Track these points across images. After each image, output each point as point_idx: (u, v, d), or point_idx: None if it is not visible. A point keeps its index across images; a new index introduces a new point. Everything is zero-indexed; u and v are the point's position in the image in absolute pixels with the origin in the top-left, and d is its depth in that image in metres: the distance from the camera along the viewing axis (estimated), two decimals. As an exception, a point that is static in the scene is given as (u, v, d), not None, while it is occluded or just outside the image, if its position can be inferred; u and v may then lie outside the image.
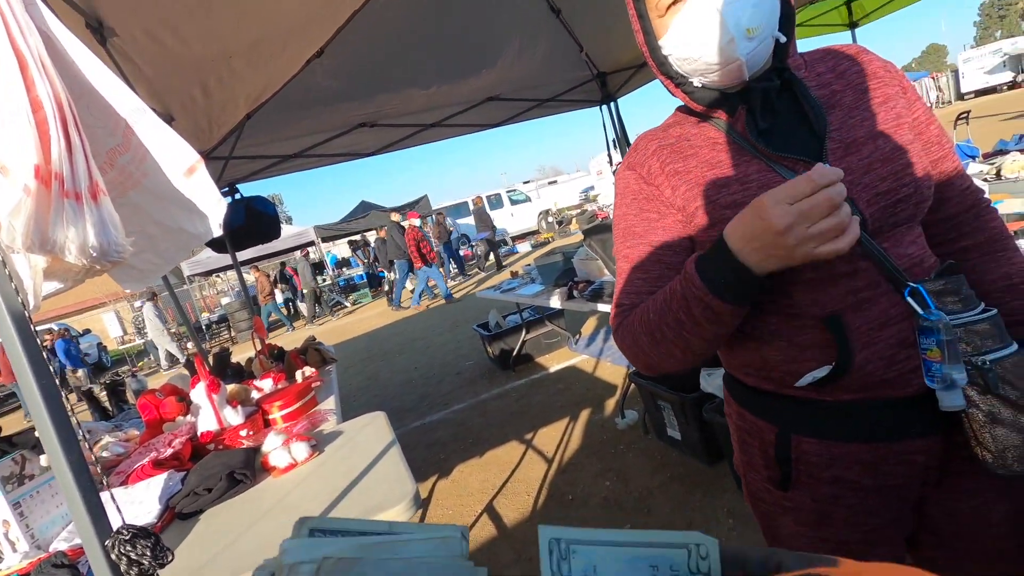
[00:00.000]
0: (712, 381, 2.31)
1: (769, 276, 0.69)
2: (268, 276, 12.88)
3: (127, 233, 0.71)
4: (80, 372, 11.69)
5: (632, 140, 4.81)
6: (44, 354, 0.63)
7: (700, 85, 0.80)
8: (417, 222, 10.14)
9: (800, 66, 0.82)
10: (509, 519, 2.58)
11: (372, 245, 16.23)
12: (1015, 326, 0.75)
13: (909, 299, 0.72)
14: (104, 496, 0.76)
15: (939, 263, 0.79)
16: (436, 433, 3.88)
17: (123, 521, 0.67)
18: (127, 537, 0.64)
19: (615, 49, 4.02)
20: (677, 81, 0.82)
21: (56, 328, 13.82)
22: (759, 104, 0.78)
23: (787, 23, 0.77)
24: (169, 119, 2.65)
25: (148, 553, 0.64)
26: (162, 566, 0.67)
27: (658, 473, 2.59)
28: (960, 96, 24.99)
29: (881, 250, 0.74)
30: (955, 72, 26.07)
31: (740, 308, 0.72)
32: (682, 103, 0.86)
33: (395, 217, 10.58)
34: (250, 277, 13.10)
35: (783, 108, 0.80)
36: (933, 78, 25.86)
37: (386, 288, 12.27)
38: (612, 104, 4.62)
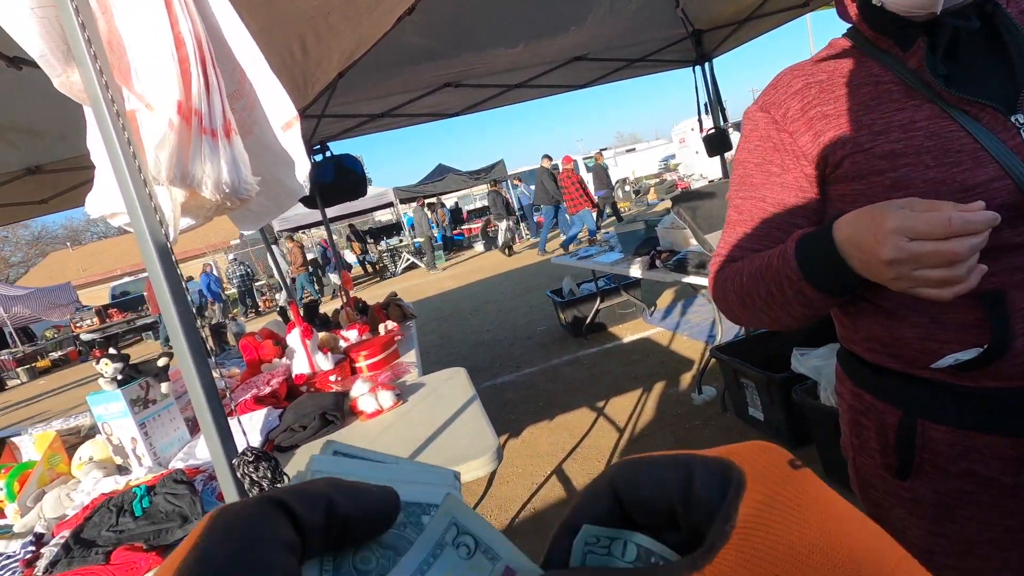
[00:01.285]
0: (805, 362, 2.18)
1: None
2: (301, 246, 12.56)
3: (247, 175, 0.74)
4: (216, 306, 12.95)
5: (725, 103, 4.52)
6: (184, 284, 0.67)
7: (880, 4, 0.68)
8: (571, 166, 10.40)
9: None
10: (580, 483, 2.60)
11: (447, 207, 16.52)
12: None
13: None
14: (232, 423, 0.82)
15: None
16: (506, 394, 3.95)
17: (247, 443, 0.72)
18: (251, 459, 0.69)
19: (714, 3, 3.74)
20: None
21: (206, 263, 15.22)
22: (944, 44, 0.68)
23: None
24: (270, 76, 2.77)
25: (268, 474, 0.69)
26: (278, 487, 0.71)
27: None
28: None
29: None
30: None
31: (835, 299, 0.67)
32: (846, 31, 0.77)
33: (545, 163, 10.76)
34: (332, 235, 13.72)
35: (976, 46, 0.69)
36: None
37: (500, 240, 12.62)
38: (707, 64, 4.35)
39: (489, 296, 7.91)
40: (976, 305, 0.67)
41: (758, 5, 3.73)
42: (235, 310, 14.18)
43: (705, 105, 4.48)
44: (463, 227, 17.55)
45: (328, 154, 3.72)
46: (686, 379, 3.40)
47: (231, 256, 14.36)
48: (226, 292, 14.52)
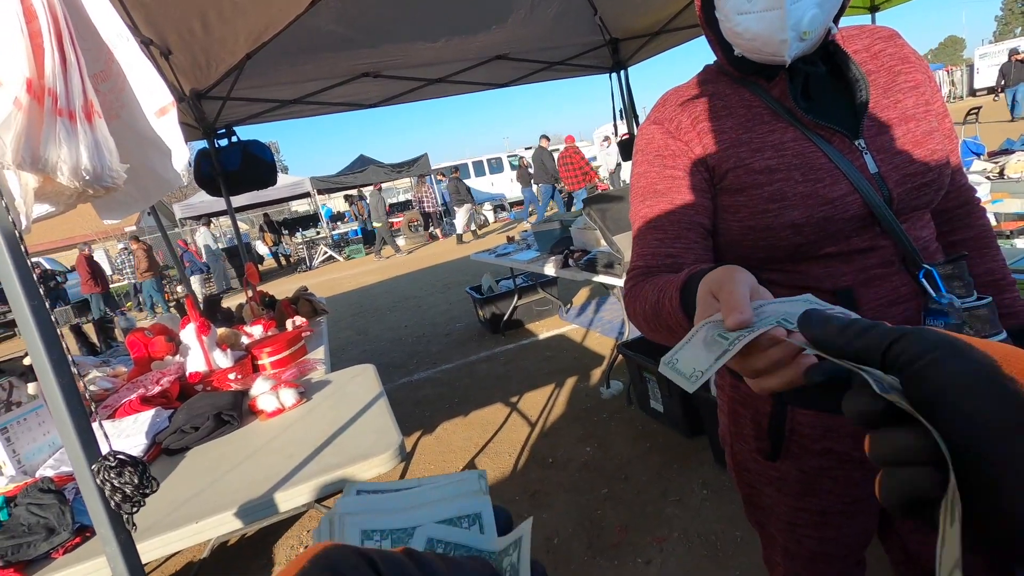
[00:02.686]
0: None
1: None
2: (148, 248, 10.67)
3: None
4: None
5: (640, 111, 4.73)
6: (35, 276, 0.62)
7: (740, 56, 0.78)
8: (573, 145, 10.53)
9: (839, 42, 0.81)
10: (490, 477, 2.63)
11: (366, 200, 16.05)
12: (1000, 318, 0.78)
13: (923, 280, 0.73)
14: (94, 426, 0.76)
15: (941, 250, 0.81)
16: (423, 391, 3.92)
17: (110, 448, 0.68)
18: (113, 464, 0.64)
19: (630, 14, 3.91)
20: (721, 42, 0.80)
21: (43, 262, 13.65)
22: (800, 83, 0.78)
23: (841, 10, 0.75)
24: (167, 52, 2.57)
25: (133, 480, 0.65)
26: (146, 495, 0.68)
27: (639, 442, 2.65)
28: (972, 92, 24.69)
29: (903, 230, 0.75)
30: (970, 67, 25.64)
31: None
32: (713, 62, 0.85)
33: (544, 143, 10.87)
34: (243, 225, 12.93)
35: (822, 80, 0.79)
36: (947, 71, 25.48)
37: (459, 226, 12.48)
38: (622, 72, 4.53)
39: (409, 292, 7.80)
40: (834, 302, 0.77)
41: (670, 19, 3.94)
42: (128, 303, 13.01)
43: (621, 111, 4.67)
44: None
45: (234, 139, 3.51)
46: (596, 374, 3.54)
47: (121, 245, 13.02)
48: (113, 283, 13.21)
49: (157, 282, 10.57)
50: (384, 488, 0.28)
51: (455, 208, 12.71)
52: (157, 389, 1.84)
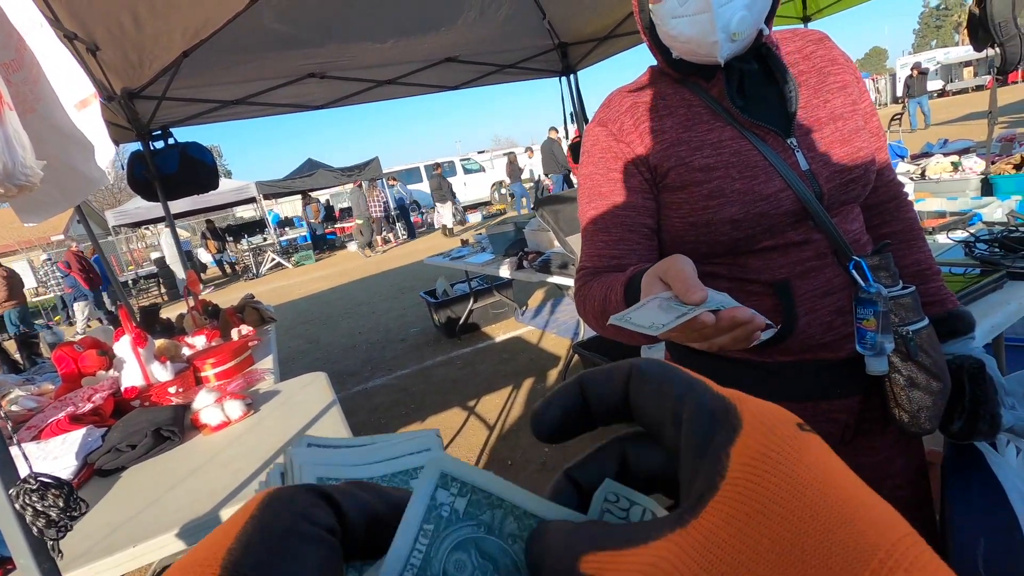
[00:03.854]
0: (653, 355, 2.39)
1: None
2: (8, 275, 8.57)
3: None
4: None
5: (589, 115, 4.82)
6: None
7: (677, 58, 0.81)
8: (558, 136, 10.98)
9: (772, 44, 0.85)
10: (448, 483, 2.60)
11: (320, 202, 15.64)
12: (924, 306, 0.84)
13: (852, 271, 0.77)
14: (12, 450, 0.70)
15: (871, 242, 0.85)
16: (378, 398, 3.84)
17: (30, 470, 0.62)
18: (34, 487, 0.59)
19: (578, 19, 3.97)
20: (658, 45, 0.83)
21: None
22: (736, 81, 0.80)
23: (772, 11, 0.78)
24: (94, 48, 2.42)
25: (59, 504, 0.59)
26: (73, 519, 0.62)
27: (596, 441, 2.67)
28: (895, 99, 26.46)
29: (833, 224, 0.78)
30: (892, 76, 27.49)
31: None
32: (656, 64, 0.87)
33: (553, 135, 11.10)
34: (184, 232, 12.30)
35: (757, 80, 0.82)
36: (873, 80, 27.21)
37: (443, 222, 13.02)
38: (572, 76, 4.59)
39: (362, 298, 7.63)
40: (772, 293, 0.80)
41: (616, 24, 4.03)
42: (56, 317, 12.17)
43: (571, 114, 4.73)
44: (335, 226, 16.73)
45: (171, 141, 3.34)
46: (553, 374, 3.56)
47: (44, 256, 12.12)
48: (39, 295, 12.29)
49: (21, 310, 8.74)
50: (337, 444, 0.27)
51: (438, 204, 13.27)
52: (88, 407, 1.72)
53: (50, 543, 0.61)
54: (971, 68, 24.15)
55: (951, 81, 25.13)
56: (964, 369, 0.83)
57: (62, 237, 20.55)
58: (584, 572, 0.17)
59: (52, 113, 0.71)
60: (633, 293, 0.68)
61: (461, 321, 4.75)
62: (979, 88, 23.00)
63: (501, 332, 4.73)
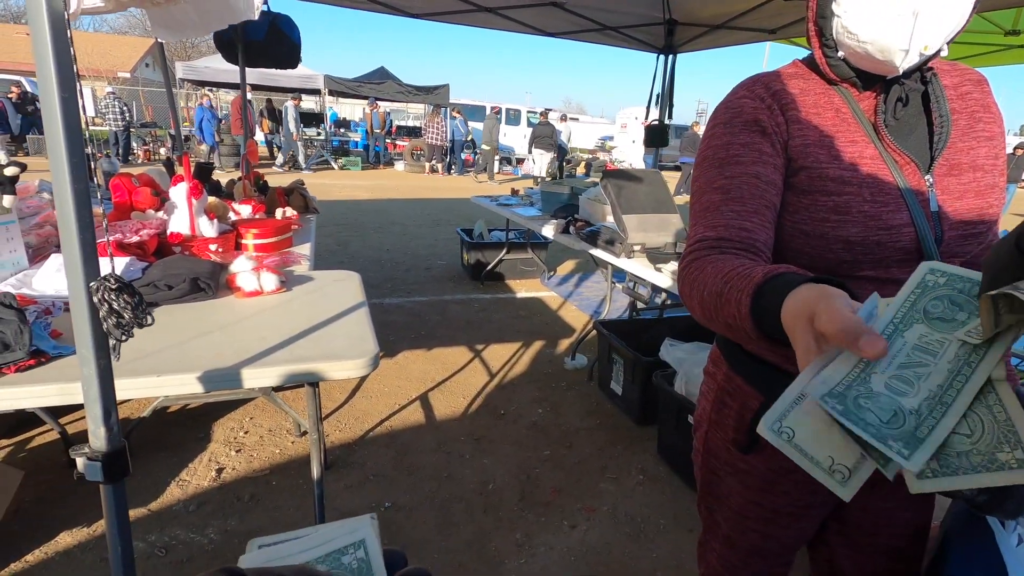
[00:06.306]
0: (672, 352, 2.38)
1: None
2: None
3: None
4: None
5: (676, 100, 4.63)
6: (75, 67, 0.56)
7: (842, 58, 0.76)
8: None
9: (936, 73, 0.80)
10: (440, 413, 2.67)
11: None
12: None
13: None
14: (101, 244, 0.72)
15: None
16: (391, 315, 3.91)
17: (112, 269, 0.65)
18: (114, 286, 0.61)
19: (697, 0, 3.78)
20: (824, 39, 0.78)
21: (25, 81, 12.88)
22: (895, 99, 0.76)
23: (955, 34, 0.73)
24: None
25: (130, 309, 0.62)
26: (140, 326, 0.65)
27: (590, 417, 2.71)
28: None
29: None
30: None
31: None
32: (807, 57, 0.83)
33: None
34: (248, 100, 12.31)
35: (913, 104, 0.78)
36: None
37: (544, 174, 12.25)
38: (671, 56, 4.41)
39: (397, 218, 7.67)
40: None
41: (734, 16, 3.83)
42: (107, 150, 12.42)
43: (657, 96, 4.57)
44: (388, 141, 16.65)
45: (266, 7, 3.31)
46: (564, 344, 3.58)
47: (109, 89, 12.26)
48: (95, 125, 12.52)
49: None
50: (284, 538, 0.36)
51: (538, 150, 12.38)
52: (135, 239, 1.78)
53: (113, 342, 0.64)
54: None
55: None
56: None
57: (128, 75, 20.79)
58: None
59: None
60: (763, 310, 0.57)
61: (489, 267, 4.76)
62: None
63: (524, 289, 4.74)
